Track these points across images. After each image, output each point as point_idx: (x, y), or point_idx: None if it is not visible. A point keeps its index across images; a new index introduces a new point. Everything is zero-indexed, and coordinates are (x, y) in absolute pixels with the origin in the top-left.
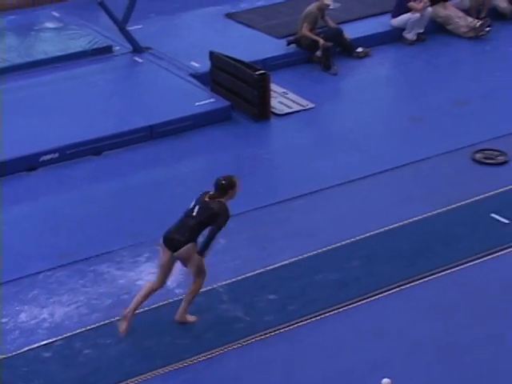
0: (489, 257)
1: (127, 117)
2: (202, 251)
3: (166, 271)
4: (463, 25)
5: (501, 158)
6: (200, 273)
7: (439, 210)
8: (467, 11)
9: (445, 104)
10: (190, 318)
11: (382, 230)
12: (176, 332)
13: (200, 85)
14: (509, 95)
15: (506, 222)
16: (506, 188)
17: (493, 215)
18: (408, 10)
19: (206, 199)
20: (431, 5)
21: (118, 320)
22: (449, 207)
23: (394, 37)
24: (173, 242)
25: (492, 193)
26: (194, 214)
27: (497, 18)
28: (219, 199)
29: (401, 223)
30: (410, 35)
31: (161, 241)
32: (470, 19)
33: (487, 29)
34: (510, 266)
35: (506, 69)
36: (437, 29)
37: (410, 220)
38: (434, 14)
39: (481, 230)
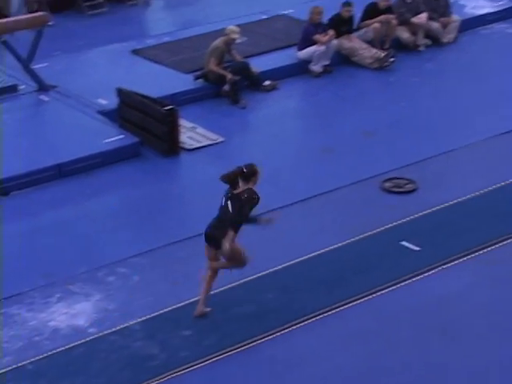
0: (401, 284)
1: (35, 156)
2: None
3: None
4: (368, 56)
5: (409, 186)
6: (234, 260)
7: (351, 240)
8: (371, 42)
9: (353, 134)
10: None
11: (297, 260)
12: (91, 372)
13: (108, 122)
14: (414, 124)
15: (417, 249)
16: (416, 215)
17: (403, 243)
18: (314, 43)
19: (235, 192)
20: (336, 37)
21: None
22: (360, 236)
23: (301, 69)
24: (214, 240)
25: (402, 221)
26: (230, 209)
27: (400, 48)
28: (247, 187)
29: (314, 253)
30: (316, 67)
31: (203, 238)
32: (374, 50)
33: (391, 60)
34: (421, 292)
35: (410, 98)
36: (342, 60)
37: (323, 250)
38: (339, 46)
39: (392, 258)
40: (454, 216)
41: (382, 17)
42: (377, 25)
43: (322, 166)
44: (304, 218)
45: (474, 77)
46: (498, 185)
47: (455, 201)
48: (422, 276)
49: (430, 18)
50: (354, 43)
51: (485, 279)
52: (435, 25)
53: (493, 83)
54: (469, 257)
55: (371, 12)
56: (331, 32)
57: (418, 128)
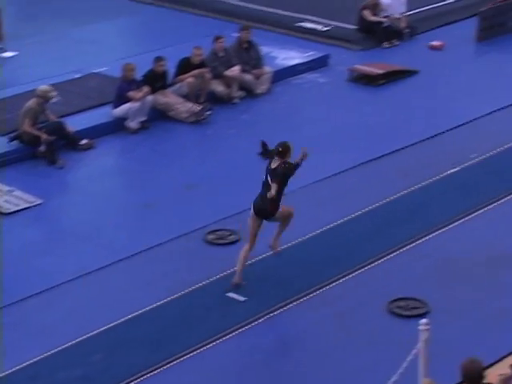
0: (229, 336)
1: None
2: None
3: (256, 235)
4: (184, 110)
5: (232, 237)
6: (284, 220)
7: (176, 295)
8: (186, 97)
9: (175, 188)
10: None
11: (123, 319)
12: None
13: None
14: (234, 175)
15: (243, 299)
16: None
17: (229, 294)
18: (128, 100)
19: (273, 167)
20: (151, 93)
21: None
22: (186, 290)
23: (118, 126)
24: (264, 212)
25: (227, 272)
26: (270, 183)
27: (215, 101)
28: (282, 161)
29: (140, 311)
30: (132, 124)
31: (252, 211)
32: (189, 105)
33: (207, 113)
34: (250, 342)
35: (228, 150)
36: (159, 116)
37: (150, 306)
38: (154, 101)
39: (219, 311)
40: (279, 264)
41: (196, 71)
42: (191, 79)
43: (144, 221)
44: (127, 275)
45: (288, 126)
46: (320, 230)
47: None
48: (249, 326)
49: (243, 71)
50: (169, 98)
51: (312, 324)
52: (248, 77)
53: (306, 131)
54: (294, 303)
55: (185, 67)
56: (145, 88)
57: (237, 179)
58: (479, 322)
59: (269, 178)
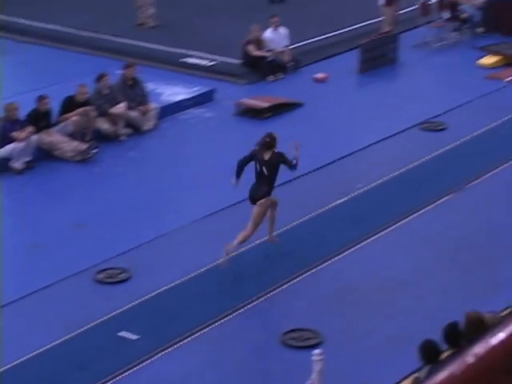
0: (121, 376)
1: None
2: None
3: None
4: (69, 149)
5: (122, 276)
6: (255, 221)
7: (68, 336)
8: (72, 135)
9: (63, 228)
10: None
11: (14, 363)
12: None
13: None
14: (123, 213)
15: (136, 337)
16: (132, 304)
17: (121, 333)
18: (12, 140)
19: (266, 159)
20: (36, 132)
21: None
22: (77, 331)
23: (2, 167)
24: (255, 199)
25: (118, 311)
26: (266, 173)
27: (102, 139)
28: (272, 151)
29: (32, 353)
30: (17, 164)
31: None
32: (75, 143)
33: (94, 151)
34: (145, 380)
35: (116, 188)
36: (44, 155)
37: (42, 349)
38: (39, 141)
39: (111, 351)
40: (171, 300)
41: (81, 109)
42: (76, 118)
43: (32, 263)
44: (17, 318)
45: (175, 162)
46: (213, 264)
47: (170, 285)
48: (144, 364)
49: (129, 108)
50: (54, 137)
51: (206, 359)
52: (134, 113)
53: (193, 167)
54: (188, 339)
55: (69, 105)
56: (29, 128)
57: (127, 216)
58: (372, 350)
59: (264, 169)
